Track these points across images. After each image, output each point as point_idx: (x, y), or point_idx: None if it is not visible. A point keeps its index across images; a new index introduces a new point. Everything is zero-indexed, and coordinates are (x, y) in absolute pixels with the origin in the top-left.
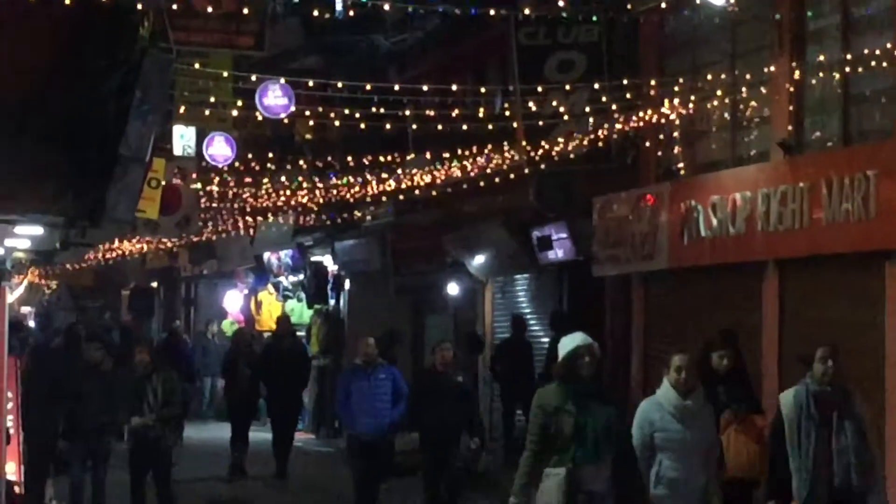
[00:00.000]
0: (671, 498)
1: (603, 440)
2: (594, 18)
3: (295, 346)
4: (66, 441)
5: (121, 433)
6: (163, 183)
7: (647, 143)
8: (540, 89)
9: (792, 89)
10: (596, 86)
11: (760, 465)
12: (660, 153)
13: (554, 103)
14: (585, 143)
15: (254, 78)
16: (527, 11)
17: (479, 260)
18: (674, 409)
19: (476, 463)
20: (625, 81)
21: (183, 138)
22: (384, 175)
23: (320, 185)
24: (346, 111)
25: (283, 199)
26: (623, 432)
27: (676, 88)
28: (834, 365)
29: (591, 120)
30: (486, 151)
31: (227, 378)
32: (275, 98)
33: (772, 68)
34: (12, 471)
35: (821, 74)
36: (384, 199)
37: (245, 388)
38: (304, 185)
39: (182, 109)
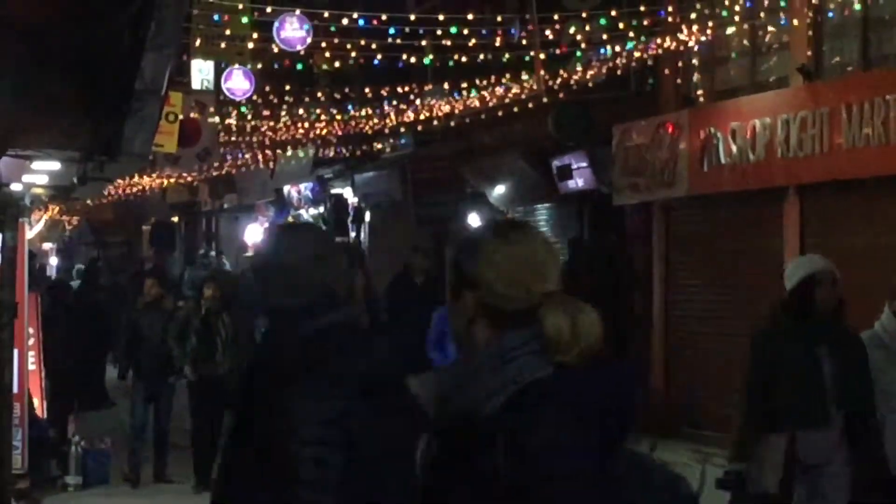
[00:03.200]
0: None
1: (839, 397)
2: None
3: None
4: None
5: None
6: (180, 117)
7: (666, 71)
8: (557, 17)
9: (811, 14)
10: (613, 13)
11: None
12: (679, 80)
13: (572, 31)
14: (604, 71)
15: (269, 10)
16: None
17: (499, 190)
18: None
19: None
20: (642, 8)
21: (202, 72)
22: (403, 106)
23: (339, 117)
24: (364, 42)
25: (301, 131)
26: (863, 386)
27: (694, 15)
28: None
29: (609, 48)
30: (504, 81)
31: None
32: (292, 30)
33: None
34: (35, 406)
35: None
36: (403, 130)
37: None
38: (323, 117)
39: (198, 43)
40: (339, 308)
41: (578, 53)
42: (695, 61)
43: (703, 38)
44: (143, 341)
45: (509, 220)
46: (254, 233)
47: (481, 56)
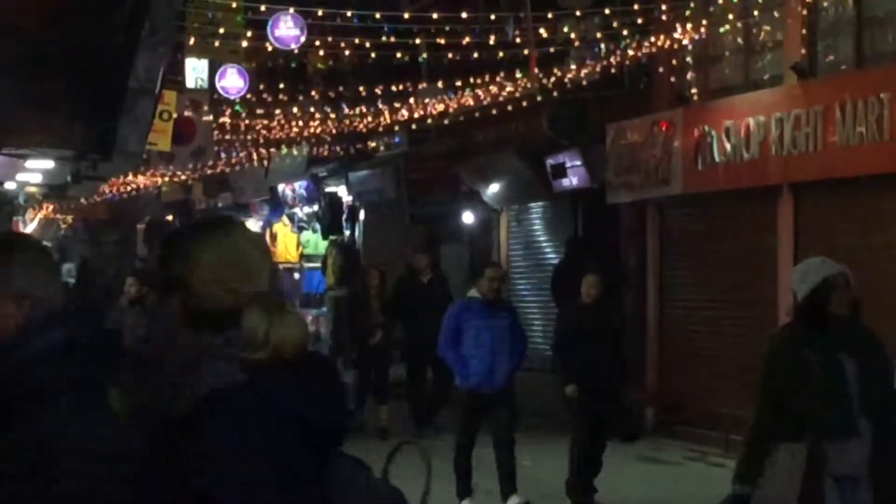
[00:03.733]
0: None
1: (864, 403)
2: None
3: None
4: None
5: None
6: (174, 115)
7: (660, 69)
8: (551, 16)
9: (805, 12)
10: (607, 11)
11: None
12: (673, 78)
13: (566, 30)
14: (598, 69)
15: (263, 8)
16: None
17: (494, 188)
18: None
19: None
20: (636, 6)
21: (195, 71)
22: (397, 105)
23: (333, 115)
24: (358, 41)
25: (296, 130)
26: (887, 392)
27: (689, 13)
28: None
29: (603, 46)
30: (498, 80)
31: None
32: (286, 29)
33: None
34: None
35: None
36: (397, 128)
37: None
38: (317, 115)
39: (192, 41)
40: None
41: (573, 52)
42: (689, 59)
43: (696, 37)
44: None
45: (217, 218)
46: None
47: (475, 54)
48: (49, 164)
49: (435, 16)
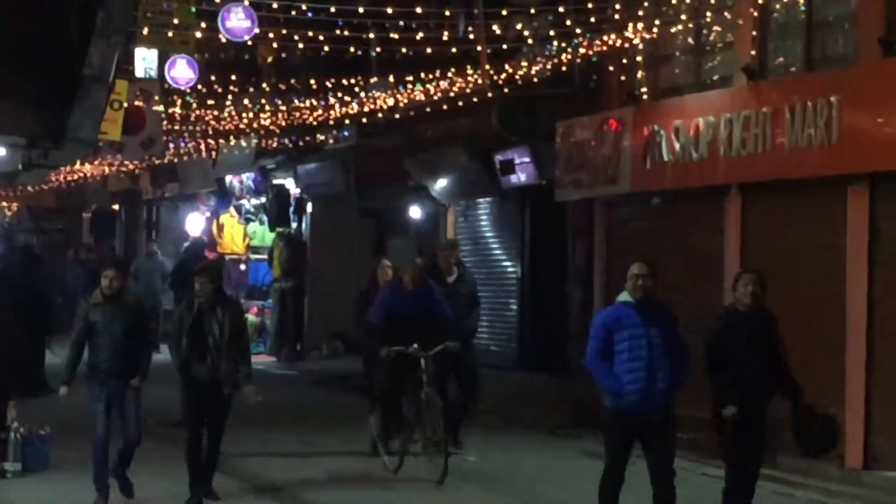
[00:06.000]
0: None
1: None
2: None
3: None
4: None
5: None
6: (125, 105)
7: (611, 68)
8: (504, 13)
9: (756, 14)
10: (560, 9)
11: None
12: (623, 77)
13: (518, 27)
14: (549, 67)
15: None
16: None
17: (442, 184)
18: None
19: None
20: (589, 5)
21: (145, 60)
22: (347, 98)
23: (283, 107)
24: (310, 34)
25: (245, 121)
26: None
27: (641, 12)
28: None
29: (554, 44)
30: (449, 75)
31: None
32: (238, 20)
33: None
34: None
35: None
36: (347, 122)
37: None
38: (267, 107)
39: (146, 31)
40: None
41: (525, 49)
42: (639, 59)
43: (648, 36)
44: (99, 339)
45: None
46: (195, 222)
47: (427, 50)
48: (1, 151)
49: (388, 10)
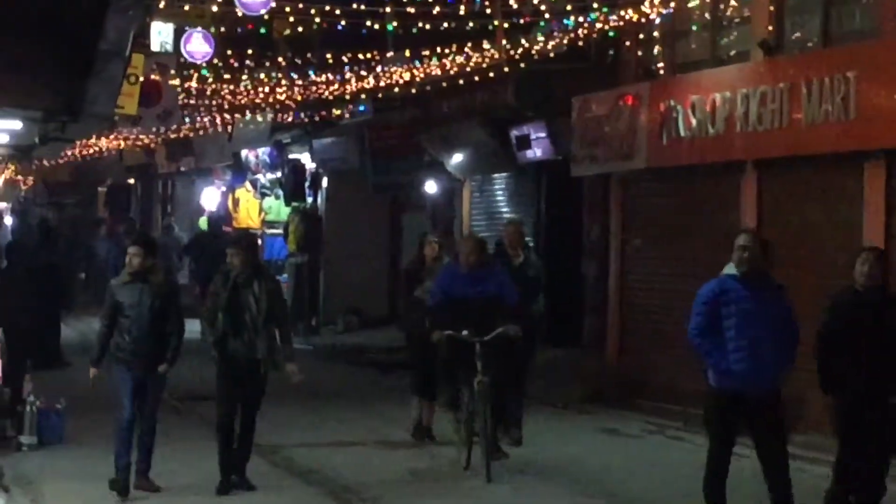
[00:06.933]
0: None
1: None
2: None
3: None
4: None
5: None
6: (141, 79)
7: (628, 43)
8: None
9: None
10: None
11: None
12: (640, 52)
13: (534, 1)
14: (565, 41)
15: None
16: None
17: (458, 159)
18: None
19: None
20: None
21: (161, 34)
22: (363, 73)
23: (299, 82)
24: (327, 8)
25: (261, 96)
26: None
27: None
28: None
29: (571, 18)
30: (465, 50)
31: None
32: None
33: None
34: None
35: None
36: (363, 96)
37: None
38: (283, 82)
39: (162, 4)
40: None
41: (541, 24)
42: (656, 34)
43: (664, 11)
44: (125, 320)
45: None
46: (210, 196)
47: (444, 24)
48: (17, 124)
49: None
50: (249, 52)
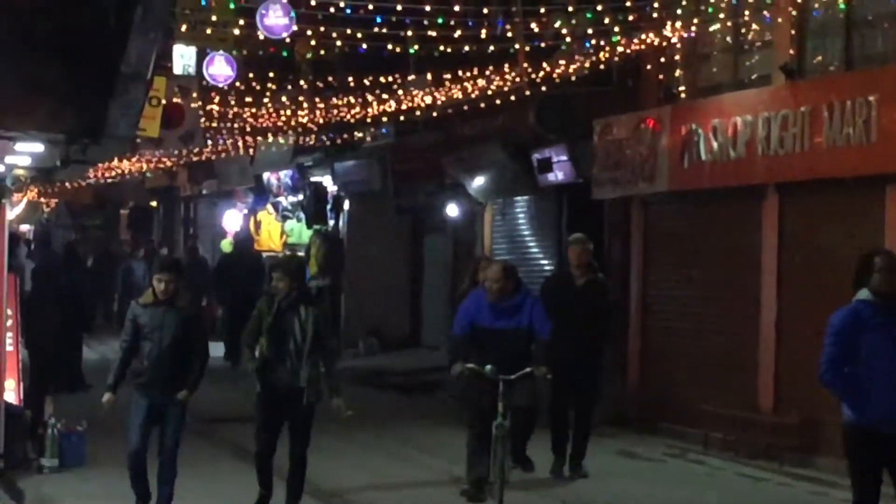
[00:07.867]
0: None
1: None
2: None
3: None
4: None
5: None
6: (163, 101)
7: (649, 66)
8: (542, 11)
9: (794, 13)
10: (599, 7)
11: None
12: (661, 76)
13: (556, 25)
14: (587, 65)
15: None
16: None
17: (479, 182)
18: None
19: None
20: (627, 3)
21: (183, 57)
22: (384, 96)
23: (320, 105)
24: (348, 31)
25: (283, 119)
26: None
27: (679, 11)
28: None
29: (592, 42)
30: (487, 73)
31: None
32: (276, 17)
33: None
34: (11, 388)
35: None
36: (384, 119)
37: None
38: (305, 105)
39: (184, 28)
40: None
41: (563, 47)
42: (677, 57)
43: (686, 35)
44: (145, 344)
45: None
46: (232, 219)
47: (465, 47)
48: (39, 147)
49: (427, 8)
50: (271, 74)
